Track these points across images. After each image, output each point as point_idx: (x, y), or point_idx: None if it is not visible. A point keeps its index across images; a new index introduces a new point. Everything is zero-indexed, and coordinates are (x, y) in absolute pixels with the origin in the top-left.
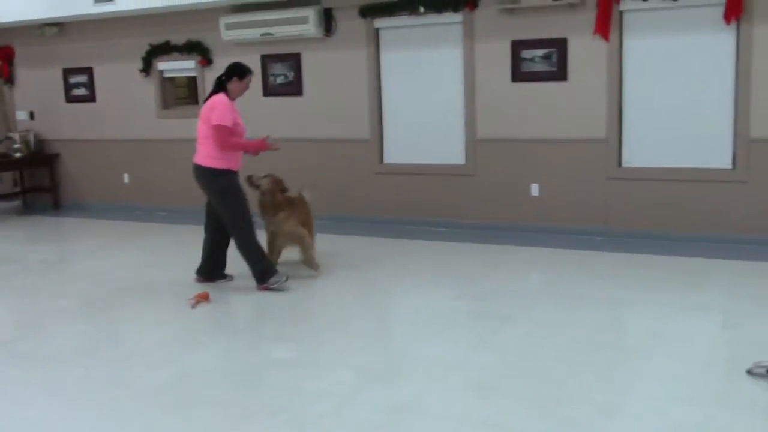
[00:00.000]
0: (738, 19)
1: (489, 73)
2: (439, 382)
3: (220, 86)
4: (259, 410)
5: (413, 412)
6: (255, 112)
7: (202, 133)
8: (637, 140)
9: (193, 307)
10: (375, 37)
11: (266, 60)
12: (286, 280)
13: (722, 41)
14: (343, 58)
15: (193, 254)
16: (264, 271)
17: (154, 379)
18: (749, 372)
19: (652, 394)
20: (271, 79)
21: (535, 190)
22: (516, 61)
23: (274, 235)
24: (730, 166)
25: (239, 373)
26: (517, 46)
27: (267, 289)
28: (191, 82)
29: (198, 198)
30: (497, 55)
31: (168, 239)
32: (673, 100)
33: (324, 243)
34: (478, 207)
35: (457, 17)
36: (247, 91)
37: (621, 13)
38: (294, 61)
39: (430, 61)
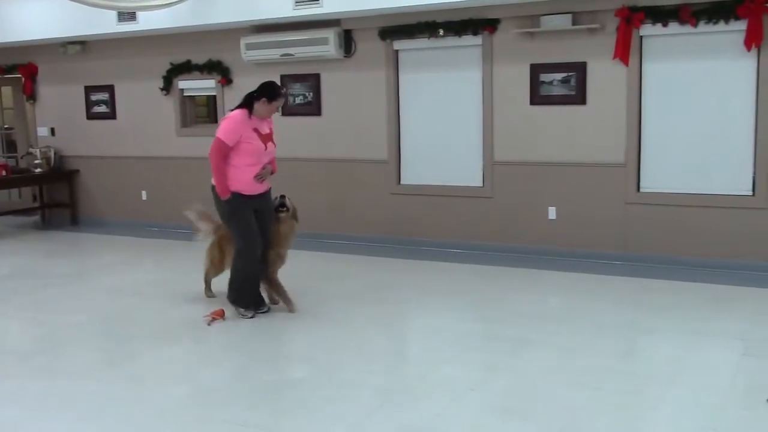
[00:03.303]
0: (759, 45)
1: (508, 96)
2: (456, 404)
3: (247, 102)
4: (274, 429)
5: None
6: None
7: None
8: (657, 165)
9: (209, 324)
10: (394, 58)
11: (285, 80)
12: (252, 316)
13: (743, 67)
14: (362, 80)
15: None
16: (239, 298)
17: (169, 396)
18: None
19: (672, 423)
20: (290, 99)
21: (552, 213)
22: (535, 84)
23: None
24: (750, 193)
25: (255, 392)
26: (536, 70)
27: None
28: (211, 101)
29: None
30: (516, 78)
31: (184, 256)
32: (694, 125)
33: (340, 263)
34: (494, 229)
35: (476, 40)
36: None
37: (641, 38)
38: (313, 81)
39: (449, 84)
